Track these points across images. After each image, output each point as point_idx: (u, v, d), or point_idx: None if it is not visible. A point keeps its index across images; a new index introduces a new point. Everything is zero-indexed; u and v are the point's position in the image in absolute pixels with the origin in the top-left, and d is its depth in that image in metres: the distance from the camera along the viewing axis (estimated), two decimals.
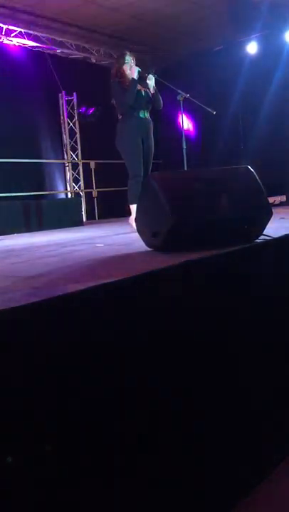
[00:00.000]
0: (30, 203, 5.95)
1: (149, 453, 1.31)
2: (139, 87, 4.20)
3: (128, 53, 4.38)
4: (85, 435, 1.15)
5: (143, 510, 1.26)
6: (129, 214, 4.31)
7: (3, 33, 6.78)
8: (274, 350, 1.88)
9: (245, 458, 1.62)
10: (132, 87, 4.13)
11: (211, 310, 1.60)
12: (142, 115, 4.23)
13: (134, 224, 4.12)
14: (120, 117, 4.29)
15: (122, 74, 4.22)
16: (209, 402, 1.54)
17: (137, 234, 2.50)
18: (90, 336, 1.21)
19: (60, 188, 8.01)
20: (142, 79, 4.21)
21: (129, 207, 4.25)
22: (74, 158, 8.10)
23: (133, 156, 4.19)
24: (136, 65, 4.22)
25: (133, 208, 4.19)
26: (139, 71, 4.17)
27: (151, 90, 4.22)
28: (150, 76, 4.21)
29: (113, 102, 4.34)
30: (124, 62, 4.25)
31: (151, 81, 4.20)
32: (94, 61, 8.25)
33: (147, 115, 4.27)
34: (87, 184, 8.11)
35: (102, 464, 1.18)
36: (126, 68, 4.22)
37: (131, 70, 4.18)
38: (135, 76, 4.14)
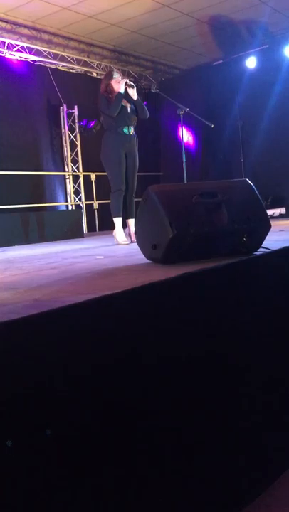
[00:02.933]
0: (31, 215, 5.98)
1: (149, 460, 1.31)
2: (124, 102, 4.28)
3: (115, 70, 4.53)
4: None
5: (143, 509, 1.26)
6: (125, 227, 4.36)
7: (5, 48, 6.87)
8: (274, 362, 1.88)
9: (247, 467, 1.61)
10: (117, 100, 4.21)
11: (210, 322, 1.61)
12: (125, 131, 4.29)
13: (117, 237, 4.20)
14: (106, 131, 4.34)
15: (111, 90, 4.30)
16: (210, 413, 1.54)
17: (136, 246, 2.52)
18: (90, 347, 1.22)
19: (61, 200, 8.05)
20: (128, 95, 4.30)
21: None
22: (75, 171, 8.15)
23: (115, 170, 4.25)
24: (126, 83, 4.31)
25: (116, 221, 4.25)
26: (126, 82, 4.25)
27: (134, 98, 4.29)
28: (131, 84, 4.29)
29: (101, 118, 4.42)
30: (111, 78, 4.34)
31: (133, 89, 4.27)
32: (95, 75, 8.35)
33: (132, 131, 4.34)
34: (88, 196, 8.15)
35: (103, 464, 1.18)
36: (114, 83, 4.30)
37: (118, 84, 4.26)
38: (121, 90, 4.23)
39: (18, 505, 1.00)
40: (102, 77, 8.28)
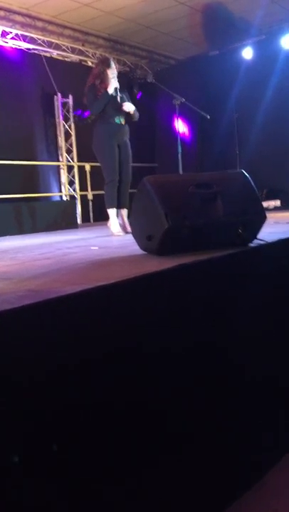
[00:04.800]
0: (25, 205, 5.95)
1: (150, 454, 1.31)
2: (114, 92, 4.18)
3: (112, 59, 4.41)
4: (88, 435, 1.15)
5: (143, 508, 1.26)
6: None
7: None
8: (272, 352, 1.88)
9: (242, 456, 1.62)
10: (103, 99, 4.13)
11: (205, 313, 1.61)
12: (117, 121, 4.24)
13: (112, 228, 4.19)
14: (97, 121, 4.29)
15: (104, 77, 4.20)
16: (208, 402, 1.54)
17: (131, 237, 2.50)
18: (86, 338, 1.21)
19: (55, 190, 8.01)
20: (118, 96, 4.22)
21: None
22: (69, 161, 8.10)
23: (108, 161, 4.22)
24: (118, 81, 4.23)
25: (111, 212, 4.24)
26: (116, 88, 4.17)
27: (131, 112, 4.22)
28: (128, 105, 4.21)
29: (84, 102, 4.34)
30: (108, 66, 4.24)
31: (130, 108, 4.21)
32: (90, 64, 8.27)
33: (123, 121, 4.28)
34: (82, 187, 8.11)
35: (103, 464, 1.18)
36: (109, 73, 4.21)
37: (110, 81, 4.17)
38: (111, 91, 4.14)
39: None
40: None
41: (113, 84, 4.16)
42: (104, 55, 4.37)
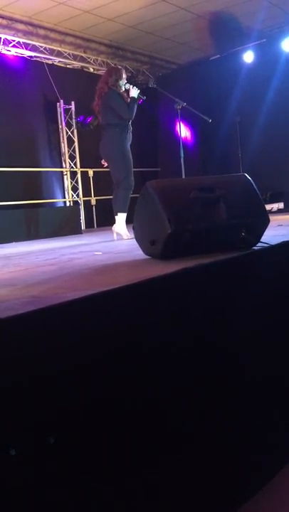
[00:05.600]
0: (29, 212, 5.97)
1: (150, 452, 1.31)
2: (125, 97, 4.34)
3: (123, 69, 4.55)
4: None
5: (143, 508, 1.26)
6: (127, 223, 4.36)
7: (1, 43, 6.83)
8: (273, 355, 1.88)
9: (248, 460, 1.61)
10: (134, 105, 4.28)
11: (209, 317, 1.61)
12: (129, 127, 4.36)
13: (124, 231, 4.21)
14: (113, 126, 4.32)
15: (118, 85, 4.34)
16: (210, 404, 1.54)
17: (135, 242, 2.51)
18: (89, 344, 1.21)
19: (59, 196, 8.03)
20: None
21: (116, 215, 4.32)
22: (72, 167, 8.13)
23: (128, 166, 4.28)
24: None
25: (123, 216, 4.27)
26: (138, 94, 4.31)
27: (134, 95, 4.32)
28: (135, 89, 4.33)
29: (108, 108, 4.37)
30: (121, 77, 4.37)
31: (135, 91, 4.31)
32: (92, 70, 8.31)
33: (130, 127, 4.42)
34: (86, 192, 8.13)
35: (103, 464, 1.18)
36: (121, 83, 4.35)
37: (128, 88, 4.32)
38: (136, 95, 4.27)
39: None
40: (99, 72, 8.29)
41: (136, 90, 4.29)
42: (116, 66, 4.46)
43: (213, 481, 1.48)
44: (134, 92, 4.29)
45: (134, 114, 4.30)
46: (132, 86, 4.32)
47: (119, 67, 4.48)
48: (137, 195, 2.35)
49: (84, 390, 1.17)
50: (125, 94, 4.36)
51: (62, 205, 8.00)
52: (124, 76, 4.40)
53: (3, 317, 1.09)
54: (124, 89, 4.34)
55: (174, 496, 1.34)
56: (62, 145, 8.06)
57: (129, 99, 4.33)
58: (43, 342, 1.11)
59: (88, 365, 1.19)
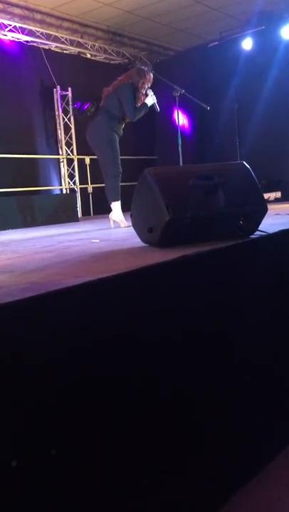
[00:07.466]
0: (25, 199, 5.94)
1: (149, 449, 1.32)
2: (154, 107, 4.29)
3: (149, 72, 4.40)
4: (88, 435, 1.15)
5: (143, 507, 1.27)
6: (124, 210, 4.34)
7: None
8: (272, 342, 1.89)
9: (243, 447, 1.63)
10: (142, 110, 4.22)
11: (207, 304, 1.61)
12: (123, 127, 4.36)
13: (121, 219, 4.20)
14: (110, 114, 4.27)
15: (140, 89, 4.20)
16: (209, 395, 1.55)
17: (132, 229, 2.50)
18: (88, 331, 1.22)
19: (55, 183, 7.99)
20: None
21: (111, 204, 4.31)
22: (69, 154, 8.08)
23: (115, 154, 4.30)
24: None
25: (118, 204, 4.25)
26: (154, 103, 4.25)
27: (149, 103, 4.25)
28: (153, 97, 4.25)
29: (102, 101, 4.32)
30: (149, 82, 4.25)
31: (152, 99, 4.24)
32: (89, 56, 8.23)
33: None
34: (83, 180, 8.09)
35: (103, 464, 1.18)
36: (145, 87, 4.22)
37: (147, 95, 4.24)
38: (150, 102, 4.22)
39: None
40: (96, 58, 8.20)
41: (152, 99, 4.22)
42: (148, 71, 4.31)
43: (212, 469, 1.50)
44: (151, 100, 4.21)
45: (136, 118, 4.21)
46: (152, 93, 4.23)
47: (151, 73, 4.34)
48: (135, 183, 2.34)
49: (82, 380, 1.18)
50: (140, 97, 4.23)
51: (58, 192, 7.96)
52: (150, 83, 4.28)
53: (1, 303, 1.08)
54: (144, 92, 4.23)
55: (174, 495, 1.34)
56: (59, 132, 8.00)
57: (139, 103, 4.23)
58: (41, 328, 1.11)
59: (88, 347, 1.19)
